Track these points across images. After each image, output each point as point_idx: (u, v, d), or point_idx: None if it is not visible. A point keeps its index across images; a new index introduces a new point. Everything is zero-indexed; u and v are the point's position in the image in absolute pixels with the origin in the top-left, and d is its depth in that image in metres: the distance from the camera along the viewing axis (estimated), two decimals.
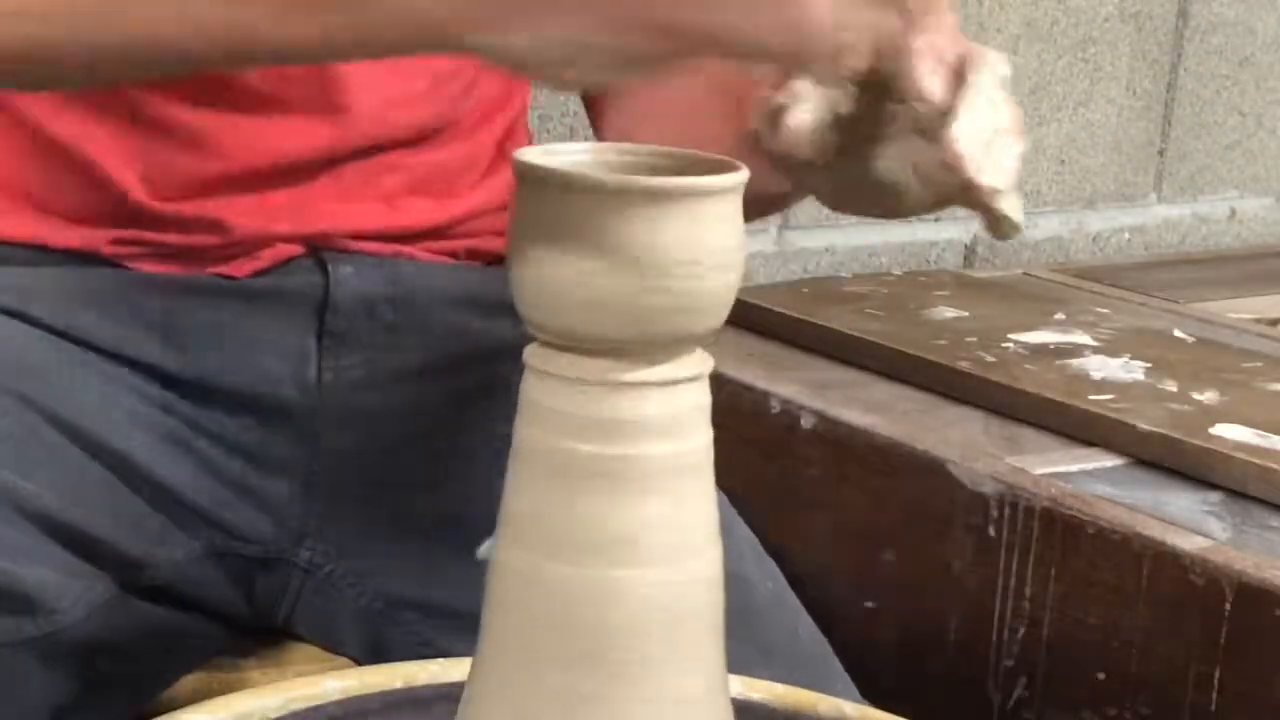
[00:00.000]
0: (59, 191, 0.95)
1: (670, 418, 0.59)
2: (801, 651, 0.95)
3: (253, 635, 1.01)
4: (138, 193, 0.94)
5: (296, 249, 0.97)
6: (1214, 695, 1.05)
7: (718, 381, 0.60)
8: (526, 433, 0.60)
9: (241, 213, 0.95)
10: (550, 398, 0.59)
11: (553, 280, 0.57)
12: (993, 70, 0.74)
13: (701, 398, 0.60)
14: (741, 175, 0.59)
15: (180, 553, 0.94)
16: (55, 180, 0.95)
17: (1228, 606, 1.04)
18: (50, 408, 0.88)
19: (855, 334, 1.44)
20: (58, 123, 0.94)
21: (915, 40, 0.72)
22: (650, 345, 0.58)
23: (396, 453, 0.98)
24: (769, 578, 0.98)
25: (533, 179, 0.58)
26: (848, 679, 0.96)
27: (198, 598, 0.96)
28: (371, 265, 0.98)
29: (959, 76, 0.74)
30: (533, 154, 0.59)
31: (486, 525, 0.94)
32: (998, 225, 0.76)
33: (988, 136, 0.74)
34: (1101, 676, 1.11)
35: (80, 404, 0.90)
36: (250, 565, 0.97)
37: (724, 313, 0.59)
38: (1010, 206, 0.75)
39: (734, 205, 0.58)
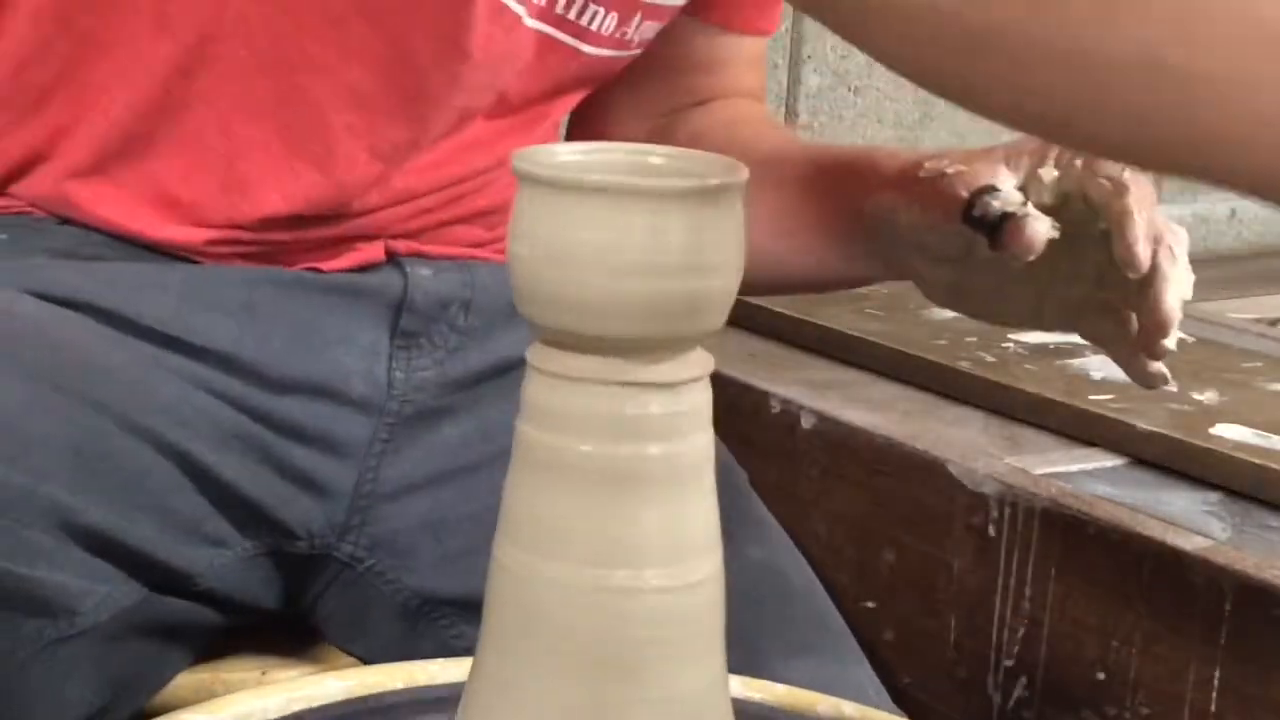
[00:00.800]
0: (191, 190, 0.95)
1: (671, 418, 0.59)
2: (834, 642, 0.96)
3: (268, 629, 1.02)
4: (271, 209, 0.95)
5: (378, 253, 0.99)
6: (1214, 695, 1.05)
7: (718, 381, 0.60)
8: (527, 431, 0.60)
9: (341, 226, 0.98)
10: (551, 397, 0.59)
11: (553, 280, 0.57)
12: (1182, 243, 0.92)
13: (702, 398, 0.60)
14: (742, 175, 0.59)
15: (229, 555, 0.94)
16: (196, 181, 0.95)
17: (1228, 606, 1.04)
18: (121, 410, 0.87)
19: (855, 334, 1.44)
20: (238, 125, 0.94)
21: (1136, 210, 0.89)
22: (651, 345, 0.58)
23: (457, 451, 0.99)
24: (799, 570, 1.00)
25: (533, 179, 0.58)
26: (871, 671, 0.97)
27: (228, 595, 0.96)
28: (448, 268, 1.01)
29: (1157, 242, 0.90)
30: (532, 154, 0.59)
31: None
32: (1155, 379, 0.95)
33: (1179, 303, 0.91)
34: (1101, 676, 1.11)
35: (150, 404, 0.90)
36: (293, 562, 0.98)
37: (725, 313, 0.59)
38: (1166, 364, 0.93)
39: (735, 205, 0.58)
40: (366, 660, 0.99)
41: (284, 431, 0.95)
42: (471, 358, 1.01)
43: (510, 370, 1.00)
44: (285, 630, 1.03)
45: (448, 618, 0.98)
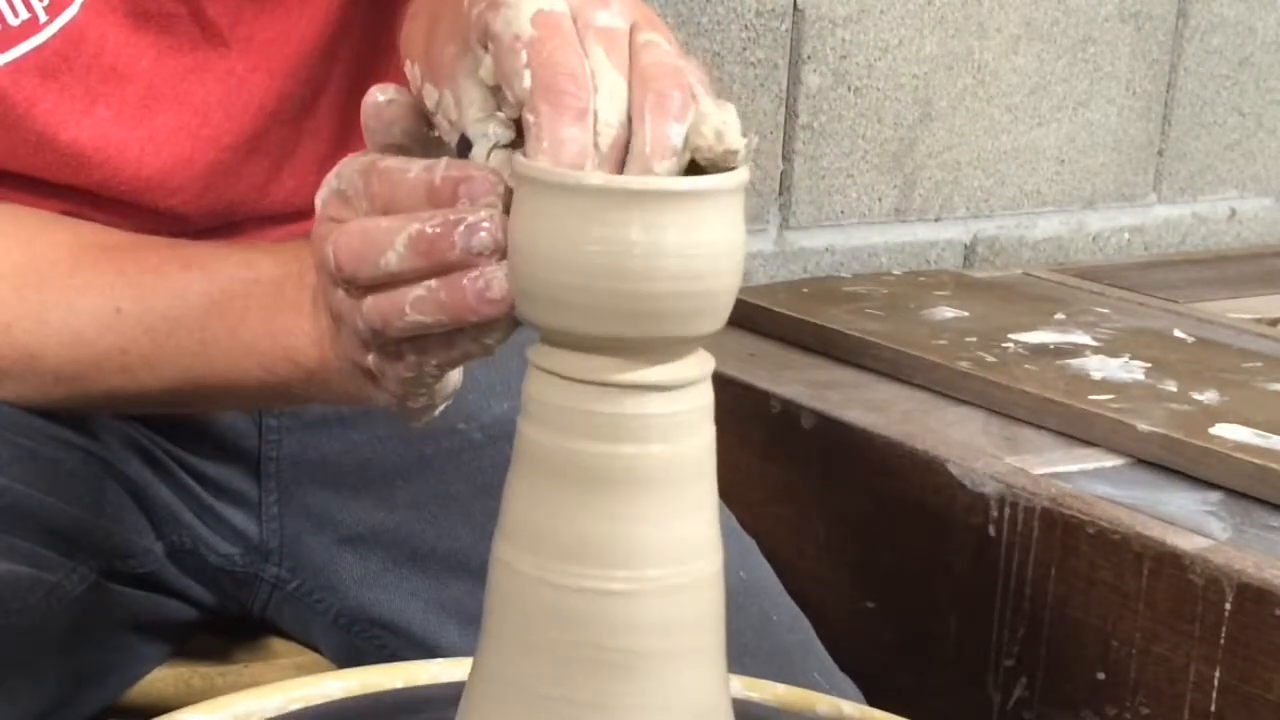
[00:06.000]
0: None
1: (671, 418, 0.59)
2: (774, 642, 0.94)
3: (235, 626, 1.02)
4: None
5: None
6: (1214, 695, 1.05)
7: (718, 381, 0.60)
8: (529, 431, 0.60)
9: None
10: (553, 396, 0.59)
11: (553, 280, 0.57)
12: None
13: (703, 398, 0.60)
14: (741, 175, 0.59)
15: (158, 546, 0.95)
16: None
17: (1228, 606, 1.04)
18: (16, 419, 0.88)
19: (855, 334, 1.44)
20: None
21: None
22: (651, 345, 0.58)
23: (366, 460, 0.98)
24: (740, 566, 0.97)
25: (532, 179, 0.58)
26: (829, 664, 0.95)
27: (178, 588, 0.97)
28: None
29: None
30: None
31: (447, 553, 0.94)
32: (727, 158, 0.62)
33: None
34: (1101, 676, 1.11)
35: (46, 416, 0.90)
36: (219, 572, 0.98)
37: (725, 313, 0.59)
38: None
39: (734, 205, 0.58)
40: (336, 663, 0.99)
41: (180, 463, 0.96)
42: None
43: None
44: (268, 627, 1.02)
45: (380, 638, 0.97)
